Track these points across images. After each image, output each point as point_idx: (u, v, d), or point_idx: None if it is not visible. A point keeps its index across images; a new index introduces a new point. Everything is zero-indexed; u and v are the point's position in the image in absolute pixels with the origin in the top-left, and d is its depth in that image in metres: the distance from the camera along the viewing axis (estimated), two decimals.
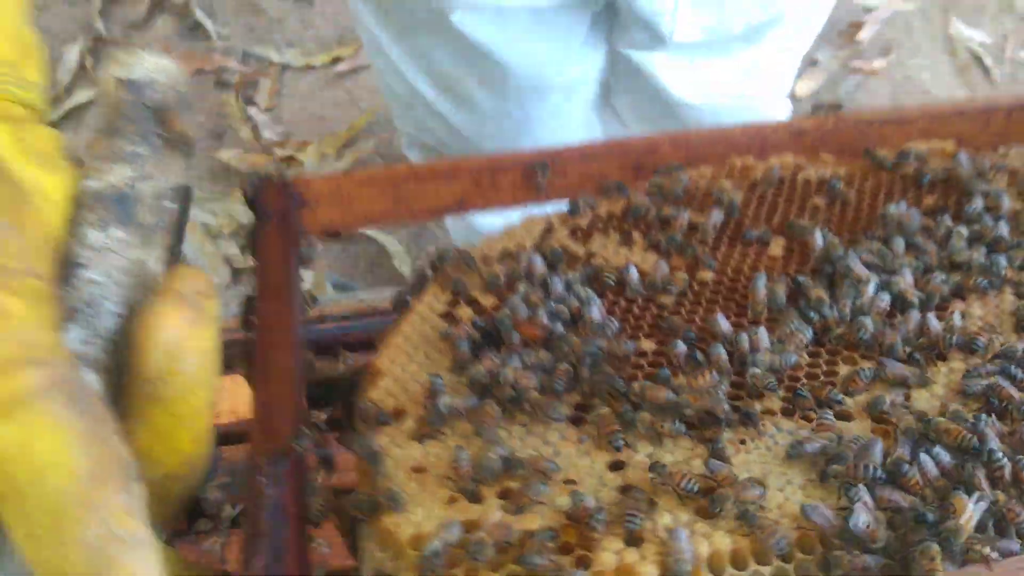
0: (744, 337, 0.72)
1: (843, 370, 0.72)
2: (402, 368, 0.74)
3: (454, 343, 0.74)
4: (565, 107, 1.50)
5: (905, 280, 0.77)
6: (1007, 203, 0.85)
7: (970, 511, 0.58)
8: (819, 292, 0.77)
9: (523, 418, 0.69)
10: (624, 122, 1.60)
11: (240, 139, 2.56)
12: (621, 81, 1.50)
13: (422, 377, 0.72)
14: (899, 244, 0.81)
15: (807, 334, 0.74)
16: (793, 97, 1.94)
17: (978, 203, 0.85)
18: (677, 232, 0.84)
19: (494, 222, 1.69)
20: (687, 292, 0.79)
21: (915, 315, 0.75)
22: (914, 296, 0.76)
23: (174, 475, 0.54)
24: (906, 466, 0.62)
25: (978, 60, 2.73)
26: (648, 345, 0.75)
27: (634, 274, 0.79)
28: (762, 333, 0.73)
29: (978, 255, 0.80)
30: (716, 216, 0.85)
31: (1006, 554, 0.59)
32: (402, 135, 1.71)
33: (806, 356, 0.73)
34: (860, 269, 0.78)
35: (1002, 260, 0.79)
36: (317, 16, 2.77)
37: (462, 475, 0.64)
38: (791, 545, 0.59)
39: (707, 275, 0.81)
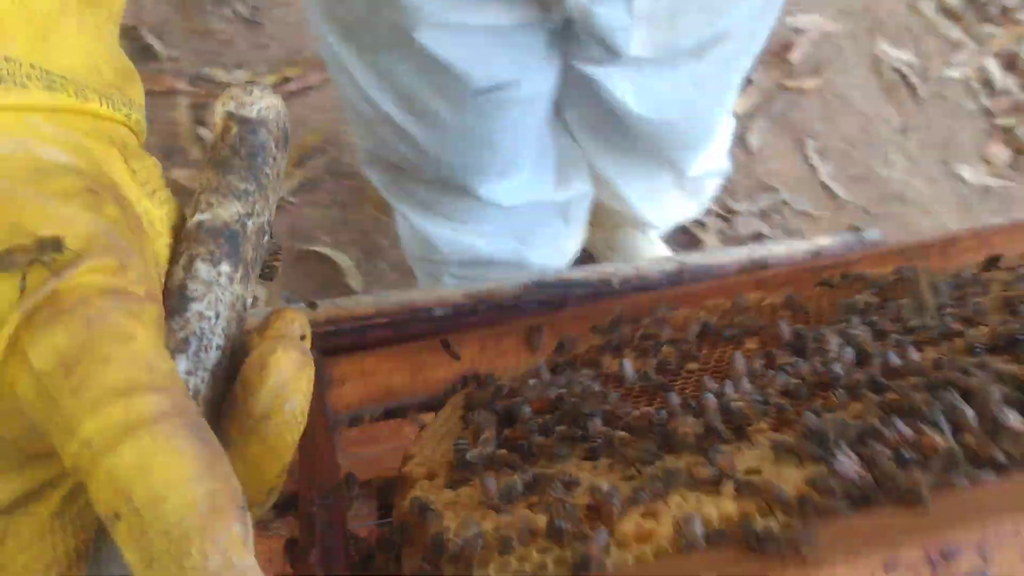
0: (729, 384, 0.82)
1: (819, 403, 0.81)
2: (431, 449, 0.82)
3: (473, 422, 0.83)
4: (524, 121, 1.57)
5: (865, 335, 0.88)
6: (946, 288, 0.97)
7: (936, 436, 0.66)
8: (788, 359, 0.87)
9: (541, 462, 0.77)
10: (575, 135, 1.68)
11: (191, 159, 2.58)
12: (574, 95, 1.58)
13: (449, 454, 0.81)
14: (856, 321, 0.92)
15: (782, 378, 0.83)
16: (733, 113, 2.03)
17: (923, 285, 0.97)
18: (663, 341, 0.95)
19: (441, 233, 1.70)
20: (676, 375, 0.89)
21: (877, 359, 0.84)
22: (873, 349, 0.86)
23: (256, 503, 0.55)
24: (885, 430, 0.69)
25: (904, 79, 2.87)
26: (648, 409, 0.83)
27: (628, 367, 0.90)
28: (745, 382, 0.82)
29: (930, 320, 0.91)
30: (695, 329, 0.97)
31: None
32: (361, 152, 1.75)
33: (786, 398, 0.82)
34: (826, 332, 0.88)
35: (948, 318, 0.90)
36: (266, 38, 2.80)
37: (491, 496, 0.71)
38: (791, 496, 0.66)
39: (693, 365, 0.91)
